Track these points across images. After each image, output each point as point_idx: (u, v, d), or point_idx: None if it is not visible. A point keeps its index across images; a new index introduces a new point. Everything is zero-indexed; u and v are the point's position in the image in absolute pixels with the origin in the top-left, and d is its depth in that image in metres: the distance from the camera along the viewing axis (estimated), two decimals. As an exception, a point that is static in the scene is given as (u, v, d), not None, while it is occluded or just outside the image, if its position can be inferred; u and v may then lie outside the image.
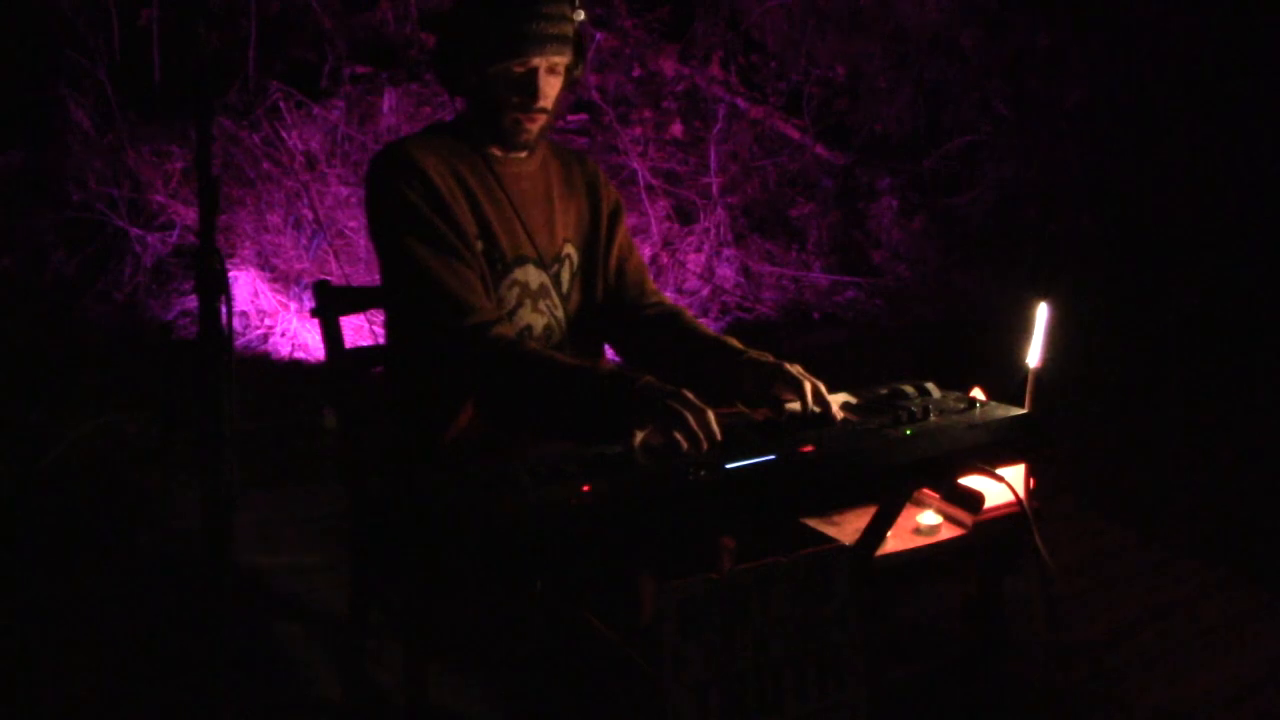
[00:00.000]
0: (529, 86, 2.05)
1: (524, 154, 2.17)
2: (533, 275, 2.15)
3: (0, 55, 5.33)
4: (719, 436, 1.77)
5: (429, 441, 2.08)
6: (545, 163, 2.22)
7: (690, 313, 2.31)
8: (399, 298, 2.12)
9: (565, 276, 2.21)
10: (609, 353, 2.37)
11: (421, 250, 2.00)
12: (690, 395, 1.80)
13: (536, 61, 2.03)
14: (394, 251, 2.03)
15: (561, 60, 2.07)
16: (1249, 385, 4.47)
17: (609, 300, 2.27)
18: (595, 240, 2.26)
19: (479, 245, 2.08)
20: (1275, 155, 5.68)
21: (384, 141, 5.58)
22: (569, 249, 2.22)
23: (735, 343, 2.12)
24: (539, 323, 2.16)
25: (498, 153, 2.15)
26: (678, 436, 1.74)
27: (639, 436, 1.75)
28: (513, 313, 2.12)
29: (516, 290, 2.13)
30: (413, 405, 2.14)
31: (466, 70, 2.06)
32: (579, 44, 2.11)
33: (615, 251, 2.28)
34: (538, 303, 2.16)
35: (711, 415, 1.77)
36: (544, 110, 2.09)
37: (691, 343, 2.17)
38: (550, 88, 2.08)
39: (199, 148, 1.70)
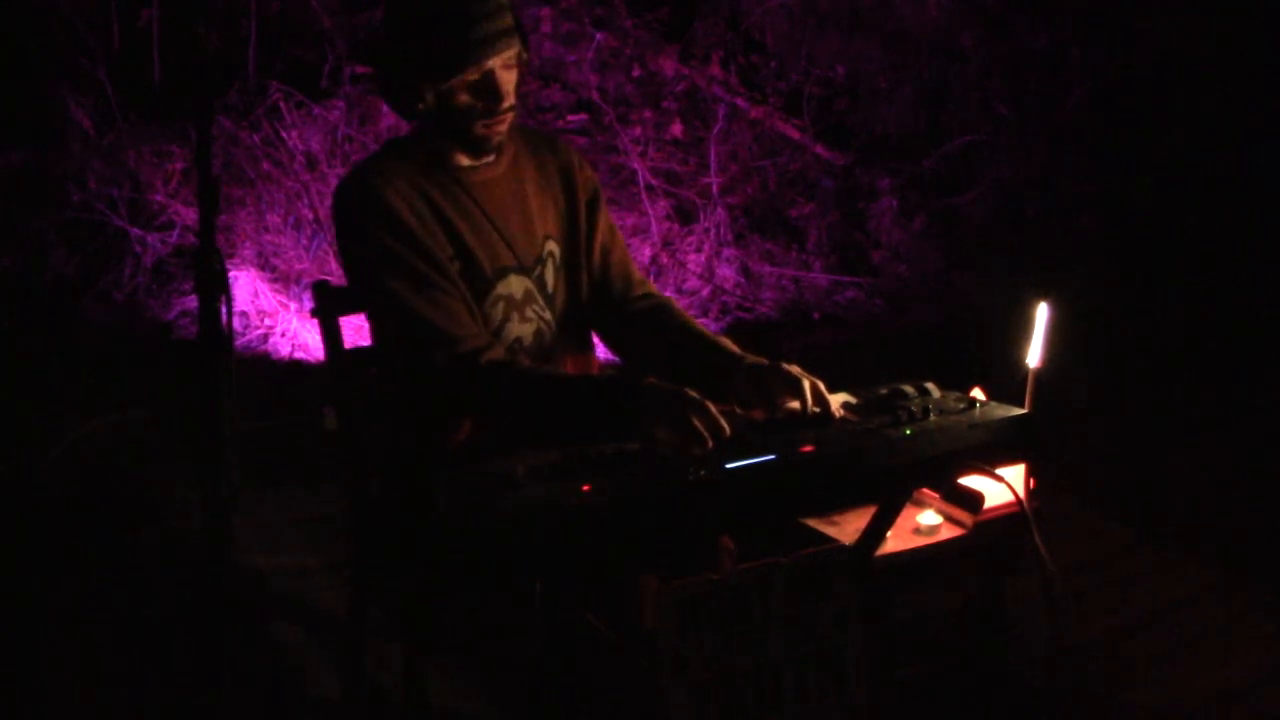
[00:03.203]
0: (490, 90, 1.99)
1: (493, 157, 2.11)
2: (515, 285, 2.11)
3: (0, 55, 5.33)
4: (728, 432, 1.77)
5: (429, 442, 2.08)
6: (516, 159, 2.16)
7: (677, 304, 2.29)
8: (385, 337, 2.10)
9: (549, 275, 2.17)
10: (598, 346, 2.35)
11: (400, 288, 1.96)
12: (694, 394, 1.80)
13: (491, 63, 1.97)
14: (373, 293, 2.01)
15: (513, 52, 2.00)
16: (1249, 386, 4.47)
17: (595, 292, 2.23)
18: (575, 231, 2.21)
19: (457, 266, 2.04)
20: (1275, 155, 5.68)
21: (384, 141, 5.58)
22: (550, 245, 2.17)
23: (730, 345, 2.11)
24: (528, 331, 2.13)
25: (465, 161, 2.10)
26: (687, 435, 1.75)
27: (655, 436, 1.75)
28: (500, 328, 2.09)
29: (501, 305, 2.10)
30: (411, 408, 2.14)
31: (420, 91, 1.99)
32: (520, 26, 2.03)
33: (597, 241, 2.23)
34: (524, 310, 2.12)
35: (716, 411, 1.78)
36: (510, 108, 2.04)
37: (686, 341, 2.15)
38: (509, 83, 2.02)
39: (199, 148, 1.70)
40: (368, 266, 2.00)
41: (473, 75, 1.97)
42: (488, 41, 1.95)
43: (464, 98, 1.99)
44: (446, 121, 2.02)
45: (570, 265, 2.21)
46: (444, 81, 1.97)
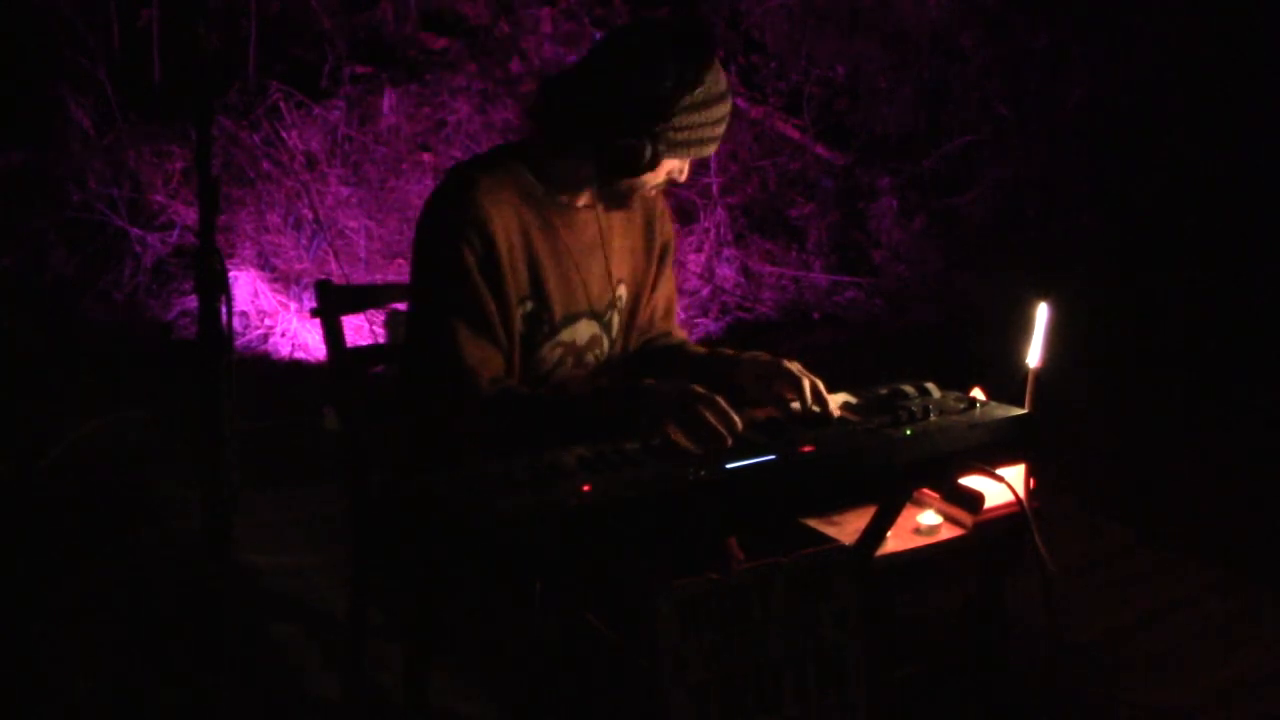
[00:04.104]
0: (677, 171, 2.00)
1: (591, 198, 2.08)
2: (583, 330, 2.10)
3: (0, 55, 5.33)
4: (740, 426, 1.77)
5: (429, 442, 2.08)
6: None
7: (692, 343, 2.29)
8: (416, 341, 2.06)
9: (616, 320, 2.17)
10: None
11: (456, 315, 1.94)
12: (701, 389, 1.80)
13: (695, 158, 1.98)
14: (430, 302, 1.99)
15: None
16: (1249, 386, 4.47)
17: (636, 333, 2.24)
18: (645, 280, 2.21)
19: (528, 306, 2.02)
20: (1276, 155, 5.68)
21: (384, 142, 5.58)
22: (621, 289, 2.16)
23: (731, 351, 2.11)
24: (579, 376, 2.12)
25: (564, 199, 2.06)
26: (698, 431, 1.75)
27: (668, 435, 1.76)
28: (551, 373, 2.08)
29: (560, 350, 2.08)
30: (412, 409, 2.13)
31: (608, 142, 1.91)
32: None
33: (660, 294, 2.24)
34: (585, 356, 2.11)
35: (726, 404, 1.78)
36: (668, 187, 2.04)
37: (691, 364, 2.15)
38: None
39: (199, 148, 1.70)
40: (440, 276, 1.97)
41: (675, 161, 1.97)
42: (712, 142, 1.96)
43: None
44: (607, 171, 1.96)
45: (631, 310, 2.20)
46: (653, 159, 1.92)
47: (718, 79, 1.93)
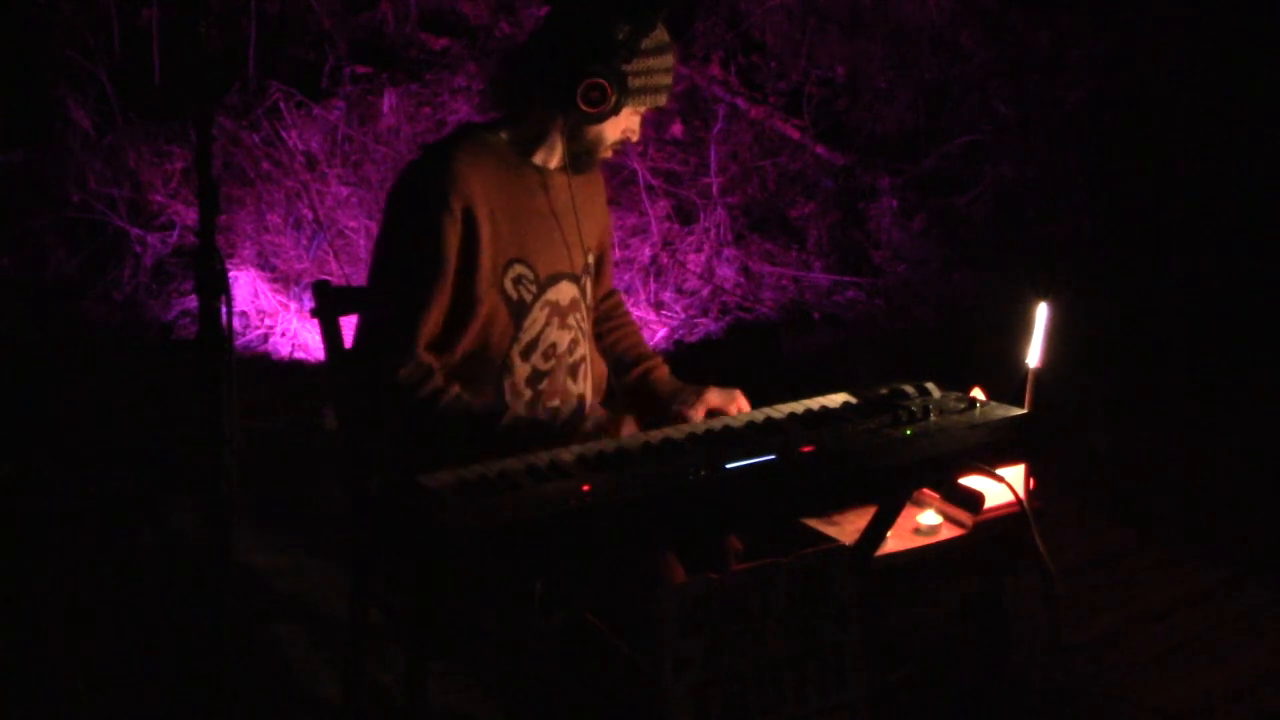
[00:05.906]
0: (631, 129, 2.09)
1: (562, 162, 2.14)
2: (565, 291, 2.14)
3: (0, 55, 5.33)
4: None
5: (429, 441, 2.08)
6: None
7: (622, 309, 2.38)
8: (375, 298, 2.09)
9: (589, 285, 2.21)
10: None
11: (420, 281, 1.98)
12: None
13: (649, 108, 2.07)
14: (397, 264, 2.02)
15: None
16: (1248, 385, 4.47)
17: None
18: (604, 242, 2.29)
19: (516, 269, 2.06)
20: (1275, 155, 5.67)
21: (384, 142, 5.58)
22: (589, 256, 2.22)
23: (644, 366, 2.24)
24: (565, 338, 2.15)
25: (538, 160, 2.12)
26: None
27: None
28: (540, 334, 2.11)
29: (547, 310, 2.12)
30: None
31: (575, 84, 1.97)
32: None
33: (608, 256, 2.32)
34: (566, 318, 2.14)
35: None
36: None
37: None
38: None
39: (199, 148, 1.70)
40: (409, 244, 2.00)
41: (631, 114, 2.07)
42: (665, 91, 2.08)
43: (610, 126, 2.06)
44: (577, 116, 2.02)
45: (593, 273, 2.27)
46: (617, 104, 2.00)
47: (663, 30, 2.07)
